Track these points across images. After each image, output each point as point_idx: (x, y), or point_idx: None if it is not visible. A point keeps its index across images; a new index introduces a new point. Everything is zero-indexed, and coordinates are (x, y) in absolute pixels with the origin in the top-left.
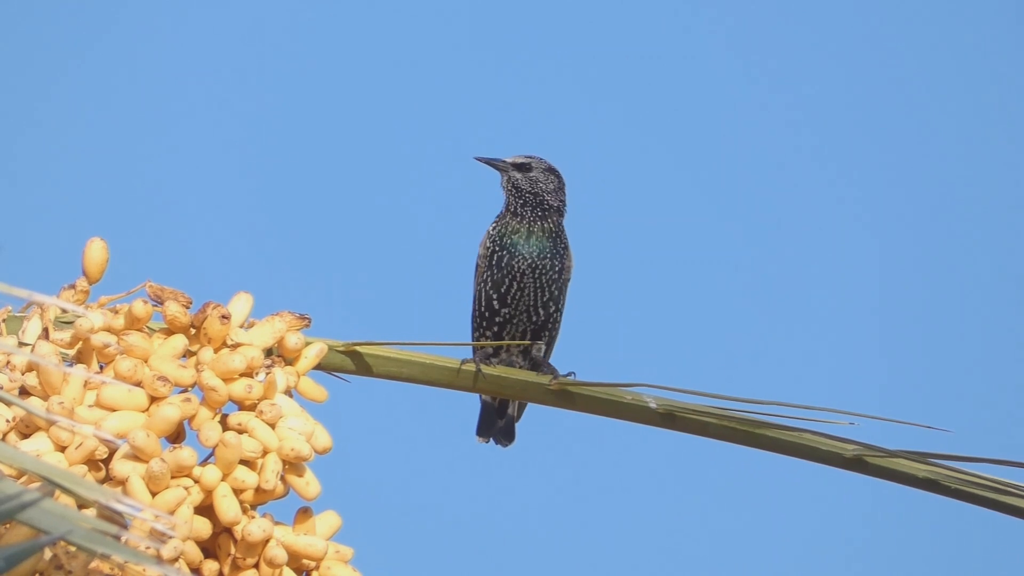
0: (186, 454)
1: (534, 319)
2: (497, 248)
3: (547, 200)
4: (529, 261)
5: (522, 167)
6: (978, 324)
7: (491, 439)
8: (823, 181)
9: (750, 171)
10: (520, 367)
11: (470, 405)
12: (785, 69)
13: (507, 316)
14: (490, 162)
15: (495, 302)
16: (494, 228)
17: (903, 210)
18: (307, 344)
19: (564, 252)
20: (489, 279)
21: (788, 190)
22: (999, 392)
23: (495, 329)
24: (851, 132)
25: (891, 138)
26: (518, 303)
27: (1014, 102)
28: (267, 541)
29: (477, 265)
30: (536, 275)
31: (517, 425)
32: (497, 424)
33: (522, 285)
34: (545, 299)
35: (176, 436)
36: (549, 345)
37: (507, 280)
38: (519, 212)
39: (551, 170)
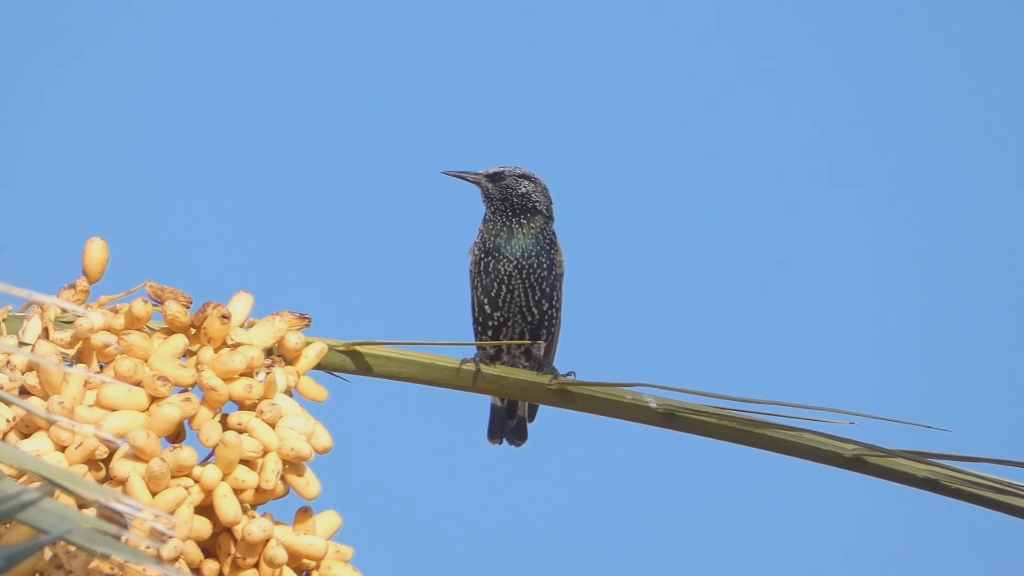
0: (186, 454)
1: (528, 319)
2: (483, 255)
3: (520, 203)
4: (515, 262)
5: (494, 177)
6: (978, 324)
7: (503, 441)
8: (824, 181)
9: (751, 171)
10: (524, 367)
11: (470, 405)
12: (788, 69)
13: (501, 320)
14: (460, 175)
15: (487, 307)
16: (479, 236)
17: (904, 210)
18: (307, 344)
19: (551, 247)
20: (479, 285)
21: (789, 190)
22: (999, 392)
23: (490, 334)
24: (853, 132)
25: (892, 138)
26: (509, 306)
27: (1017, 101)
28: (267, 541)
29: (470, 273)
30: (524, 275)
31: (530, 425)
32: (508, 425)
33: (511, 287)
34: (537, 298)
35: (176, 436)
36: (551, 343)
37: (496, 284)
38: (495, 218)
39: (525, 176)
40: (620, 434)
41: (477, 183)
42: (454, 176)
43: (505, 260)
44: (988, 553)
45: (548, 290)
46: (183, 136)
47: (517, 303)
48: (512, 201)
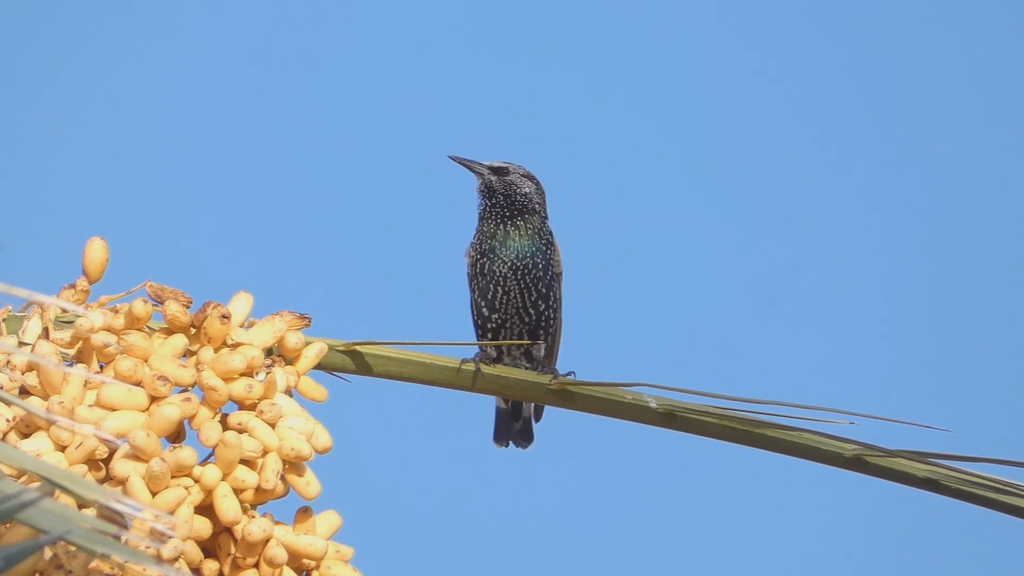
0: (186, 454)
1: (526, 320)
2: (478, 256)
3: (521, 202)
4: (509, 264)
5: (499, 171)
6: (979, 324)
7: (510, 443)
8: (825, 181)
9: (751, 170)
10: (526, 368)
11: (472, 405)
12: (789, 67)
13: (498, 321)
14: (465, 163)
15: (484, 309)
16: (475, 238)
17: (904, 210)
18: (307, 344)
19: (548, 247)
20: (476, 288)
21: (789, 190)
22: (999, 392)
23: (489, 336)
24: (854, 131)
25: (893, 138)
26: (506, 307)
27: (1018, 103)
28: (267, 541)
29: (467, 276)
30: (519, 276)
31: (536, 425)
32: (514, 428)
33: (507, 288)
34: (533, 298)
35: (176, 436)
36: (553, 344)
37: (492, 286)
38: (491, 214)
39: (528, 176)
40: (620, 434)
41: (481, 173)
42: (460, 162)
43: (500, 261)
44: (988, 553)
45: (544, 290)
46: (183, 136)
47: (514, 304)
48: (514, 199)
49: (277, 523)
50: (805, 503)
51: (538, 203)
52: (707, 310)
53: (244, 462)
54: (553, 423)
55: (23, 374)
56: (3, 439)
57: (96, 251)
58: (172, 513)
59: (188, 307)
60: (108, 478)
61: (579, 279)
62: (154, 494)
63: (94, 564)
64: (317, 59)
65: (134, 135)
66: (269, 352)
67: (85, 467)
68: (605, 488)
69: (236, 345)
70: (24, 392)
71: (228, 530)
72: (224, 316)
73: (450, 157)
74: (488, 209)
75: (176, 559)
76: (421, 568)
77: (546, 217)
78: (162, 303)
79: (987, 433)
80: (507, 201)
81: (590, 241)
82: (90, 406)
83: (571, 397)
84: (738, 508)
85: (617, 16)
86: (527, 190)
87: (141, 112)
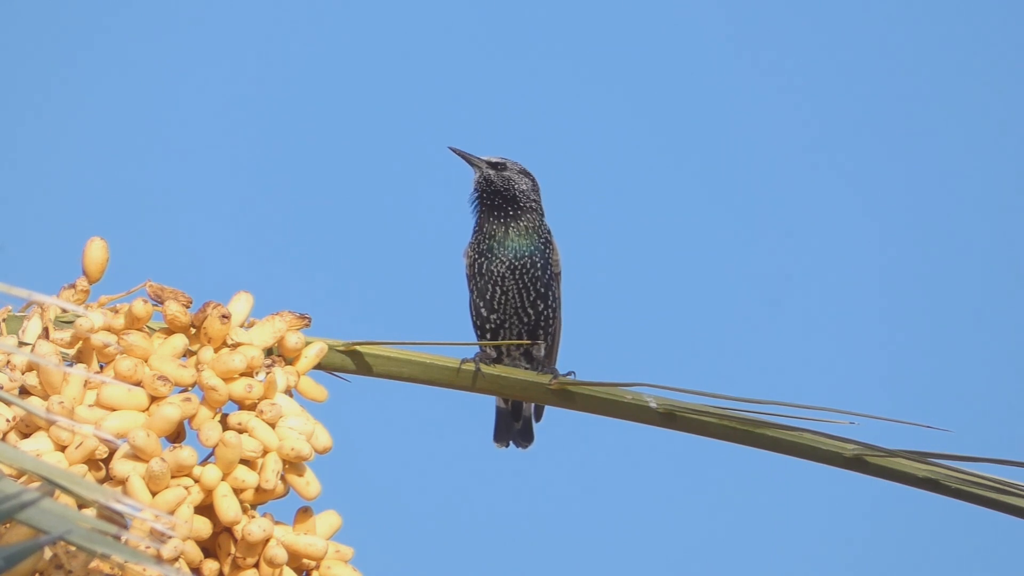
0: (186, 454)
1: (525, 320)
2: (477, 256)
3: (520, 200)
4: (507, 263)
5: (496, 166)
6: (979, 324)
7: (510, 443)
8: (825, 181)
9: (752, 171)
10: (526, 369)
11: (472, 405)
12: (789, 68)
13: (497, 322)
14: (465, 155)
15: (483, 309)
16: (473, 238)
17: (904, 210)
18: (307, 344)
19: (546, 247)
20: (475, 288)
21: (789, 190)
22: (999, 392)
23: (488, 336)
24: (853, 132)
25: (893, 138)
26: (504, 307)
27: (1017, 104)
28: (267, 541)
29: (467, 277)
30: (517, 276)
31: (537, 425)
32: (514, 427)
33: (505, 288)
34: (532, 298)
35: (176, 436)
36: (552, 344)
37: (490, 286)
38: (489, 209)
39: (525, 172)
40: (620, 434)
41: (479, 166)
42: (459, 154)
43: (498, 261)
44: (988, 553)
45: (543, 290)
46: (183, 136)
47: (512, 304)
48: (511, 195)
49: (277, 523)
50: (805, 503)
51: (534, 200)
52: (707, 310)
53: (244, 462)
54: (553, 423)
55: (23, 374)
56: (3, 439)
57: (96, 251)
58: (172, 513)
59: (188, 307)
60: (108, 478)
61: (579, 279)
62: (154, 494)
63: (94, 564)
64: (317, 59)
65: (134, 135)
66: (269, 352)
67: (85, 467)
68: (605, 488)
69: (236, 345)
70: (24, 392)
71: (228, 530)
72: (224, 316)
73: (450, 148)
74: (485, 204)
75: (176, 559)
76: (421, 568)
77: (543, 214)
78: (162, 303)
79: (987, 433)
80: (504, 197)
81: (590, 241)
82: (90, 406)
83: (571, 397)
84: (738, 508)
85: (616, 16)
86: (524, 187)
87: (141, 112)
